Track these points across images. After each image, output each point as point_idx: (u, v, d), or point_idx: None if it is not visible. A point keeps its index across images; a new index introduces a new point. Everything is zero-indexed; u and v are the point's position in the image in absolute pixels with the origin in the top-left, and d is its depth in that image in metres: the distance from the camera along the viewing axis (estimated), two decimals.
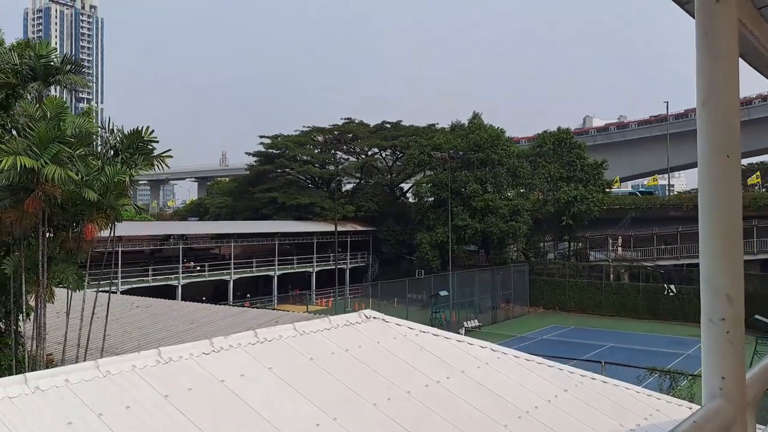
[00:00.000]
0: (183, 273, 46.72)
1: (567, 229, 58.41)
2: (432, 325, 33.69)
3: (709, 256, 1.61)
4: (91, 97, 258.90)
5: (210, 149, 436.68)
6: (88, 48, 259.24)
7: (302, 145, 64.92)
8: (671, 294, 50.35)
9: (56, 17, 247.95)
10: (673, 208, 59.99)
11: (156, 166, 19.65)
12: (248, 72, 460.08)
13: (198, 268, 48.31)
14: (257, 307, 52.46)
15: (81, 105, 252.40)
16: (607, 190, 60.99)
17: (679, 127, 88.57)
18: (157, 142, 19.39)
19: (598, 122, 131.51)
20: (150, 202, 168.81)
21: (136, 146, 18.88)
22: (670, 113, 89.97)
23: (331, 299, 58.37)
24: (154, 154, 19.49)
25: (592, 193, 56.92)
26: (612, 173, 71.94)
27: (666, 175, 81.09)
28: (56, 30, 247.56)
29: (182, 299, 47.19)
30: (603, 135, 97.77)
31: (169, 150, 20.06)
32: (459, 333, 38.22)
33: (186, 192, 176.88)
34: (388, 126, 69.91)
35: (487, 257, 60.19)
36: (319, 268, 59.41)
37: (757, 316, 34.61)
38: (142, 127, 19.40)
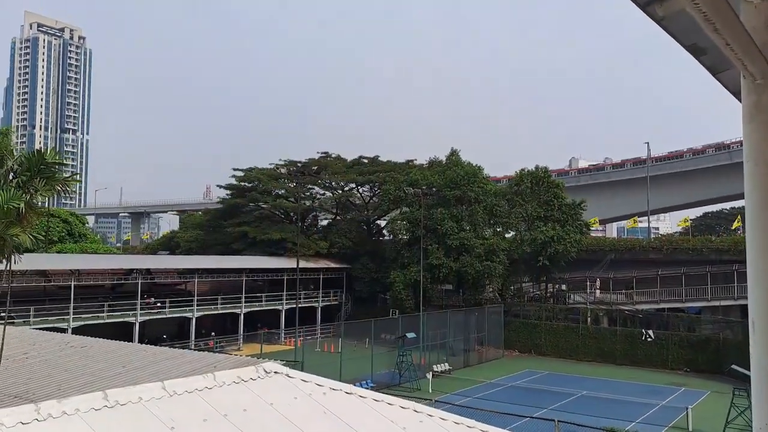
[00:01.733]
0: (143, 309, 44.66)
1: (544, 270, 57.05)
2: (398, 369, 31.76)
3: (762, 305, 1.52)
4: (76, 128, 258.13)
5: (198, 182, 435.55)
6: (76, 78, 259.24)
7: (276, 179, 63.62)
8: (649, 339, 48.89)
9: (44, 47, 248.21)
10: (653, 251, 58.97)
11: (63, 193, 17.99)
12: (240, 103, 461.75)
13: (159, 304, 46.28)
14: (221, 346, 50.60)
15: (66, 136, 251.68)
16: (585, 230, 59.83)
17: (661, 169, 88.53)
18: (64, 165, 17.82)
19: (583, 164, 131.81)
20: (128, 235, 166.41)
21: (37, 169, 17.22)
22: (652, 155, 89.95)
23: (301, 339, 56.43)
24: (65, 176, 17.84)
25: (569, 234, 55.76)
26: (591, 214, 71.15)
27: (647, 218, 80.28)
28: (44, 60, 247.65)
29: (141, 337, 45.12)
30: (586, 176, 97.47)
31: (73, 175, 18.49)
32: (426, 377, 36.46)
33: (168, 225, 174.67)
34: (366, 161, 68.90)
35: (462, 297, 58.60)
36: (289, 306, 57.49)
37: (734, 366, 33.17)
38: (46, 148, 17.79)
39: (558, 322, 54.04)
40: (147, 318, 44.40)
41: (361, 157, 69.35)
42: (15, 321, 36.47)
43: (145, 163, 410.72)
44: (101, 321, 41.29)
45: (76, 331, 38.86)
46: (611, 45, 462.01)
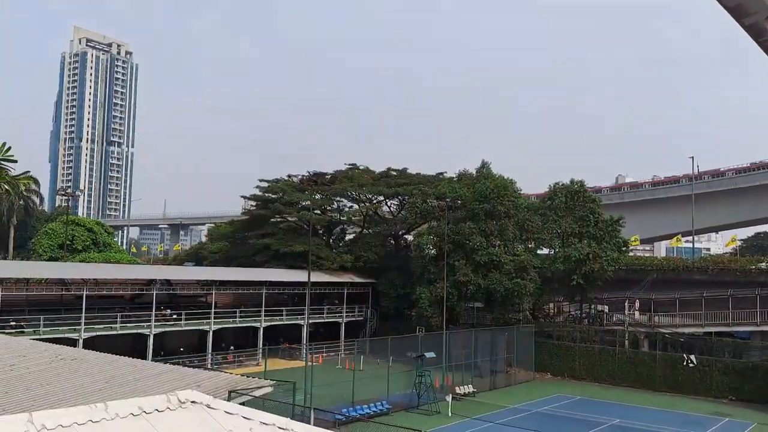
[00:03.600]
0: (158, 321, 43.55)
1: (578, 290, 54.12)
2: (417, 391, 29.42)
3: None
4: (122, 141, 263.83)
5: (241, 193, 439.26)
6: (122, 92, 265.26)
7: (301, 190, 62.29)
8: (691, 365, 45.55)
9: (92, 62, 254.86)
10: (697, 271, 55.50)
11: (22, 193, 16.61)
12: (286, 117, 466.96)
13: (174, 316, 45.15)
14: (240, 360, 49.15)
15: (111, 148, 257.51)
16: (624, 248, 56.67)
17: (709, 186, 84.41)
18: (15, 161, 16.46)
19: (630, 181, 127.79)
20: (165, 246, 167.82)
21: None
22: (702, 171, 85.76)
23: (322, 355, 54.71)
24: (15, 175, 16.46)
25: (606, 251, 52.78)
26: (633, 232, 67.83)
27: (692, 237, 76.34)
28: (91, 74, 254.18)
29: (159, 349, 44.07)
30: (630, 193, 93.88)
31: (28, 172, 17.06)
32: (446, 400, 34.09)
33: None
34: (394, 173, 67.15)
35: (491, 316, 56.04)
36: (313, 321, 55.81)
37: None
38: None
39: (593, 345, 51.02)
40: (161, 330, 43.22)
41: (389, 169, 67.68)
42: (24, 330, 35.75)
43: (190, 175, 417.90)
44: (114, 332, 40.25)
45: (88, 342, 37.94)
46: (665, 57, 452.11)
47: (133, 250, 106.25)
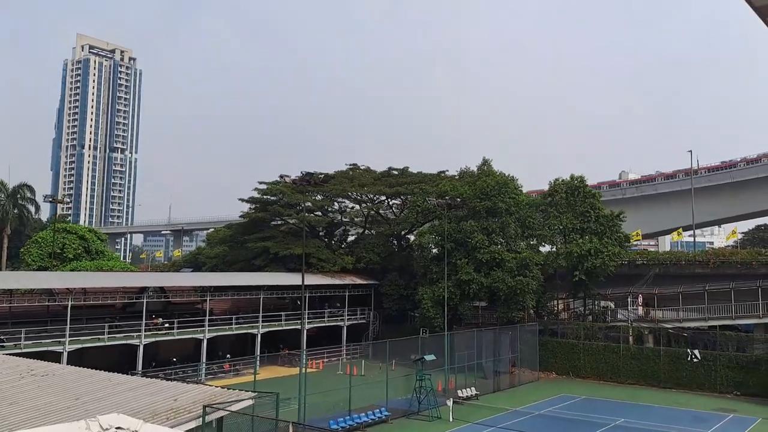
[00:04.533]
0: (150, 330, 42.85)
1: (581, 286, 53.35)
2: (417, 396, 28.66)
3: None
4: (125, 147, 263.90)
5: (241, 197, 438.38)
6: (125, 98, 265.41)
7: (301, 192, 61.66)
8: (695, 360, 44.78)
9: (95, 68, 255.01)
10: (699, 265, 54.64)
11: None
12: (287, 118, 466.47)
13: (167, 324, 44.48)
14: (236, 369, 48.51)
15: (114, 155, 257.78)
16: (625, 243, 55.85)
17: (710, 180, 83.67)
18: None
19: (633, 177, 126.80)
20: (167, 251, 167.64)
21: None
22: (701, 167, 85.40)
23: (323, 360, 54.06)
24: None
25: (607, 246, 51.99)
26: (636, 227, 66.99)
27: (693, 230, 75.47)
28: (94, 81, 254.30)
29: (148, 359, 43.32)
30: (632, 188, 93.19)
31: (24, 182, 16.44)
32: (446, 404, 33.38)
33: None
34: (395, 172, 66.50)
35: (495, 315, 55.31)
36: (312, 326, 55.23)
37: None
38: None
39: (597, 342, 50.29)
40: (152, 340, 42.51)
41: (390, 168, 67.07)
42: (5, 344, 35.00)
43: (193, 182, 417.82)
44: (101, 344, 39.50)
45: (73, 354, 37.15)
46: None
47: (137, 256, 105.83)
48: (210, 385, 23.24)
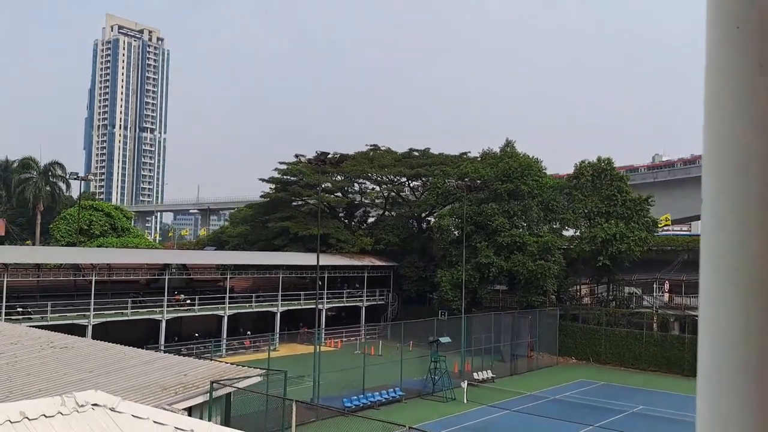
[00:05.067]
0: (171, 306, 43.31)
1: (605, 271, 52.39)
2: (431, 377, 28.31)
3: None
4: (154, 127, 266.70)
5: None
6: (154, 79, 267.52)
7: (323, 172, 61.40)
8: None
9: (124, 49, 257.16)
10: None
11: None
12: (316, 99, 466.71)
13: (188, 301, 44.89)
14: (256, 346, 48.83)
15: (144, 134, 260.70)
16: (653, 228, 54.62)
17: None
18: None
19: (668, 159, 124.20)
20: (196, 230, 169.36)
21: None
22: None
23: (342, 340, 54.13)
24: None
25: (634, 231, 50.88)
26: (667, 212, 65.47)
27: None
28: (123, 61, 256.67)
29: (172, 334, 43.90)
30: (663, 171, 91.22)
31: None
32: (461, 386, 33.07)
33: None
34: (416, 154, 65.84)
35: (515, 299, 54.71)
36: (332, 305, 55.26)
37: None
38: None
39: (620, 328, 49.40)
40: (174, 315, 42.99)
41: (411, 149, 66.38)
42: (32, 316, 35.71)
43: (222, 162, 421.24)
44: (125, 318, 40.10)
45: (98, 328, 37.83)
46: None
47: (161, 235, 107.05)
48: (225, 362, 23.25)
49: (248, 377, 17.87)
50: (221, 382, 16.37)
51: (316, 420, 28.26)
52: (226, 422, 17.24)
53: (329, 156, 51.77)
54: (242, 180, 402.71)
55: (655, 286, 53.30)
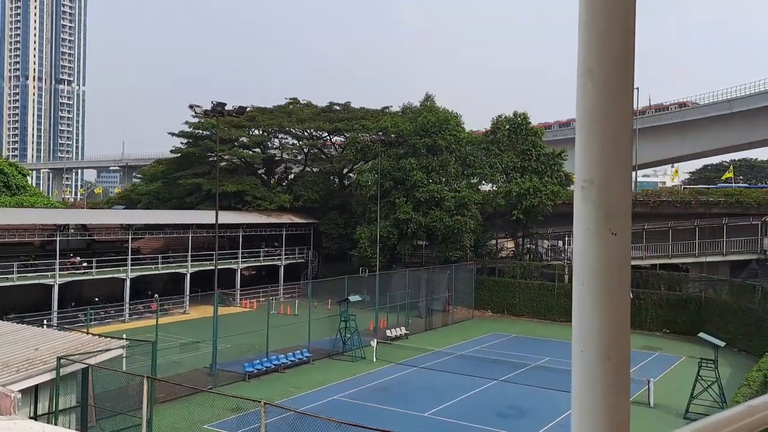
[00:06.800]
0: (66, 270, 40.85)
1: (519, 225, 52.88)
2: (341, 336, 27.31)
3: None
4: (72, 78, 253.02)
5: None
6: (70, 27, 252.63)
7: (238, 127, 59.09)
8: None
9: None
10: (639, 204, 54.46)
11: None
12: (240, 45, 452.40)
13: (84, 264, 42.53)
14: (165, 309, 47.07)
15: (61, 87, 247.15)
16: (566, 182, 55.24)
17: (660, 120, 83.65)
18: None
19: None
20: (122, 187, 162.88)
21: None
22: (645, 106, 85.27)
23: (257, 300, 52.98)
24: None
25: (547, 186, 51.32)
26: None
27: (635, 170, 75.46)
28: (35, 8, 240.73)
29: (69, 300, 41.54)
30: (569, 128, 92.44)
31: None
32: (371, 345, 32.55)
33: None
34: (337, 108, 64.22)
35: (433, 255, 54.72)
36: (247, 265, 53.88)
37: (701, 334, 29.16)
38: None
39: (533, 281, 50.17)
40: (68, 279, 40.64)
41: (331, 103, 64.72)
42: None
43: (148, 115, 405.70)
44: (11, 283, 37.55)
45: None
46: None
47: (82, 192, 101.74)
48: (101, 332, 21.78)
49: (109, 350, 16.56)
50: (70, 357, 15.04)
51: (186, 396, 26.26)
52: (82, 399, 15.96)
53: (234, 108, 49.86)
54: (166, 135, 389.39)
55: (566, 239, 54.20)
